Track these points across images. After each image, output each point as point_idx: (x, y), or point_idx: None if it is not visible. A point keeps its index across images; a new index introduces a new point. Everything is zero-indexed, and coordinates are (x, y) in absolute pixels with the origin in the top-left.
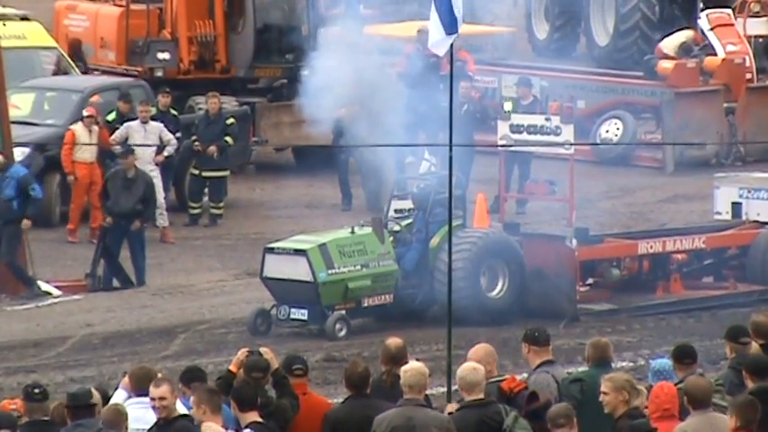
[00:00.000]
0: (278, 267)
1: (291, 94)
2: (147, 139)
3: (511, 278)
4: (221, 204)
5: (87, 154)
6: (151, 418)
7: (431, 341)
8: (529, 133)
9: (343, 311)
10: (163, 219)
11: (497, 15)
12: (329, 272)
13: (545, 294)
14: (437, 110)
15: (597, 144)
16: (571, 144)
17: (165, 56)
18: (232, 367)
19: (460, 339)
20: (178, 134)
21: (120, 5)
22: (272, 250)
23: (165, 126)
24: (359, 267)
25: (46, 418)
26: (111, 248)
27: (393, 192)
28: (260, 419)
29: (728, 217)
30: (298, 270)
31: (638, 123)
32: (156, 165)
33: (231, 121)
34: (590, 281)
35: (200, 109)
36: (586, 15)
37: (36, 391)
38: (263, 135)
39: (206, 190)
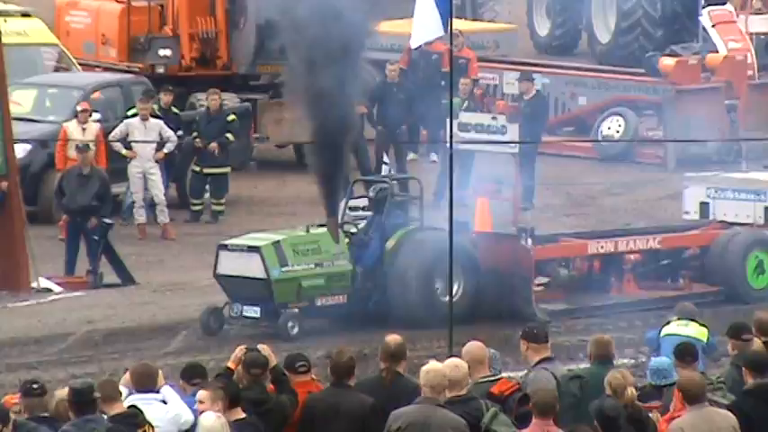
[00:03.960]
0: (231, 264)
1: None
2: (147, 136)
3: (465, 281)
4: (223, 201)
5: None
6: (152, 414)
7: (432, 338)
8: (476, 132)
9: (296, 310)
10: (164, 215)
11: (498, 12)
12: (283, 269)
13: (500, 294)
14: (438, 107)
15: (597, 141)
16: (516, 143)
17: (166, 52)
18: (230, 364)
19: (462, 336)
20: (179, 131)
21: (122, 2)
22: (225, 247)
23: (167, 123)
24: (313, 266)
25: (45, 414)
26: (70, 245)
27: (349, 193)
28: (243, 416)
29: (697, 217)
30: (251, 267)
31: (639, 120)
32: (157, 162)
33: (232, 117)
34: (544, 281)
35: (201, 106)
36: (588, 12)
37: (35, 386)
38: (264, 132)
39: (207, 187)
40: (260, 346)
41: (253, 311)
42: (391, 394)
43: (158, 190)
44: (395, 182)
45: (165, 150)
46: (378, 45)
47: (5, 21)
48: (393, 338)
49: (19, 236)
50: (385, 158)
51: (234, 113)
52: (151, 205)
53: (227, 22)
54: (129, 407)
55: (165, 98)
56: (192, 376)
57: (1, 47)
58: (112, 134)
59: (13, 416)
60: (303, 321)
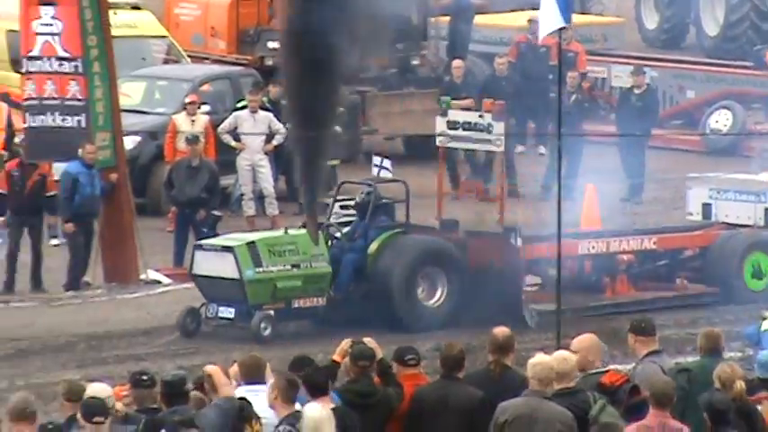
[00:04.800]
0: (206, 264)
1: (401, 83)
2: (256, 129)
3: (449, 285)
4: (331, 193)
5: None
6: (260, 405)
7: (540, 331)
8: (464, 129)
9: (271, 311)
10: (272, 208)
11: (607, 6)
12: (257, 270)
13: (490, 294)
14: (546, 100)
15: (705, 135)
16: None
17: (275, 44)
18: (336, 357)
19: (568, 329)
20: (288, 124)
21: None
22: (200, 247)
23: (276, 116)
24: (289, 267)
25: (154, 406)
26: (179, 237)
27: (335, 195)
28: (332, 405)
29: (700, 218)
30: (225, 267)
31: (747, 113)
32: (266, 154)
33: (340, 110)
34: (536, 281)
35: None
36: (696, 5)
37: (144, 378)
38: (372, 124)
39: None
40: (366, 339)
41: (227, 312)
42: (499, 387)
43: (267, 182)
44: (380, 184)
45: (275, 143)
46: (486, 38)
47: (115, 13)
48: (501, 330)
49: (128, 228)
50: (380, 161)
51: (342, 106)
52: (260, 197)
53: None
54: (239, 399)
55: (274, 90)
56: (300, 368)
57: (111, 39)
58: (222, 126)
59: (122, 408)
60: (278, 323)
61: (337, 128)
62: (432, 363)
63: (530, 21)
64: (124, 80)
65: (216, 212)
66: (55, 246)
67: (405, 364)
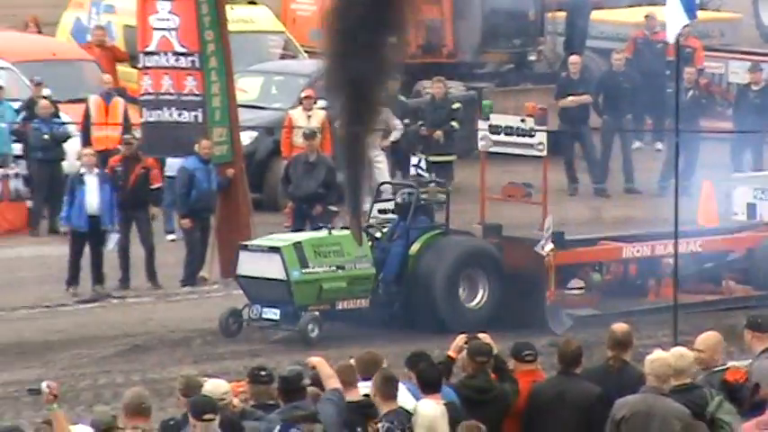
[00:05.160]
0: (252, 265)
1: (518, 79)
2: None
3: (490, 287)
4: (450, 189)
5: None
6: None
7: (656, 328)
8: (505, 134)
9: (317, 313)
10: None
11: (724, 1)
12: (303, 271)
13: (518, 299)
14: (663, 95)
15: None
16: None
17: (392, 40)
18: (451, 353)
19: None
20: (406, 120)
21: None
22: (246, 247)
23: (393, 111)
24: (334, 268)
25: (271, 402)
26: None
27: (376, 196)
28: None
29: (744, 218)
30: (271, 268)
31: None
32: (383, 149)
33: (457, 105)
34: (579, 285)
35: (426, 94)
36: None
37: (262, 373)
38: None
39: (432, 174)
40: (481, 335)
41: (272, 313)
42: (618, 382)
43: (383, 177)
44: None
45: (392, 138)
46: (603, 34)
47: (232, 8)
48: (620, 327)
49: (244, 223)
50: (417, 161)
51: (459, 101)
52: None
53: (453, 10)
54: (364, 395)
55: (390, 85)
56: (416, 363)
57: (228, 34)
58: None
59: (239, 403)
60: (324, 325)
61: (454, 124)
62: (547, 359)
63: (647, 17)
64: (241, 75)
65: (333, 208)
66: (171, 241)
67: (522, 360)
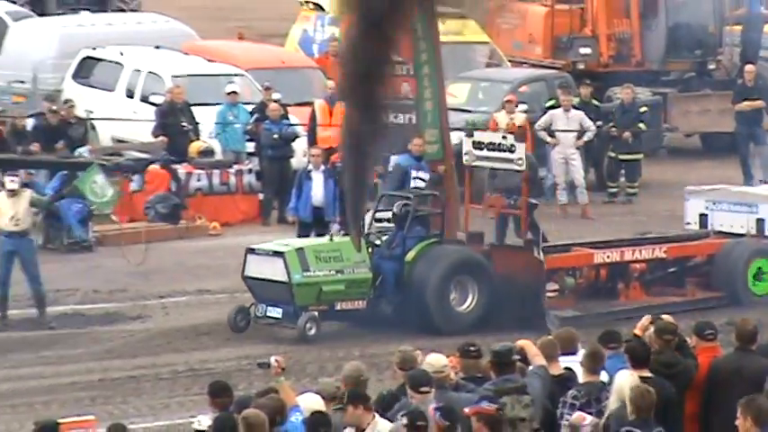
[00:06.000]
0: (258, 267)
1: (699, 85)
2: (568, 126)
3: (479, 292)
4: (636, 184)
5: None
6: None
7: None
8: (488, 150)
9: (316, 313)
10: (583, 197)
11: None
12: (304, 274)
13: (513, 302)
14: None
15: None
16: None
17: (586, 51)
18: (637, 331)
19: None
20: (598, 122)
21: (547, 5)
22: (253, 251)
23: (587, 114)
24: (334, 272)
25: (479, 375)
26: (500, 222)
27: (376, 206)
28: (649, 374)
29: (696, 227)
30: (275, 271)
31: None
32: (577, 148)
33: (644, 109)
34: (554, 287)
35: (616, 99)
36: None
37: (472, 349)
38: (673, 122)
39: (622, 171)
40: (664, 316)
41: (275, 312)
42: None
43: (578, 174)
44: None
45: (585, 138)
46: None
47: (444, 22)
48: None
49: (453, 214)
50: (416, 173)
51: (646, 105)
52: (571, 187)
53: (641, 23)
54: (565, 368)
55: (585, 91)
56: (608, 340)
57: (439, 45)
58: (538, 123)
59: (454, 377)
60: (322, 324)
61: (642, 125)
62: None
63: None
64: (451, 81)
65: (533, 201)
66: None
67: (704, 338)
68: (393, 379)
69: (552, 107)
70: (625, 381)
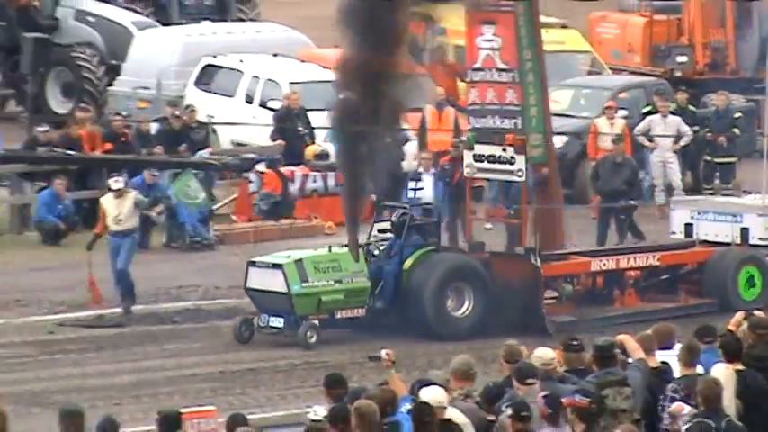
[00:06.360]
0: (259, 279)
1: None
2: (666, 131)
3: (475, 298)
4: (730, 186)
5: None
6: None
7: None
8: (489, 162)
9: (316, 321)
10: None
11: None
12: (303, 285)
13: (513, 309)
14: None
15: None
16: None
17: (683, 59)
18: (731, 326)
19: None
20: (695, 127)
21: (645, 16)
22: (254, 264)
23: (683, 120)
24: (332, 282)
25: (581, 367)
26: (602, 223)
27: (375, 217)
28: (742, 367)
29: (682, 236)
30: (275, 282)
31: None
32: (674, 152)
33: (738, 115)
34: (553, 294)
35: (712, 105)
36: None
37: (574, 342)
38: (766, 127)
39: (717, 174)
40: (757, 313)
41: (277, 322)
42: None
43: (676, 176)
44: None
45: (682, 143)
46: None
47: (547, 32)
48: None
49: (557, 213)
50: (415, 185)
51: (740, 111)
52: (669, 189)
53: (735, 33)
54: (662, 362)
55: (681, 98)
56: (704, 335)
57: (543, 53)
58: (637, 128)
59: (560, 369)
60: (322, 332)
61: (736, 130)
62: None
63: None
64: (554, 88)
65: (632, 202)
66: (487, 230)
67: None
68: (499, 371)
69: (650, 113)
70: (720, 373)
